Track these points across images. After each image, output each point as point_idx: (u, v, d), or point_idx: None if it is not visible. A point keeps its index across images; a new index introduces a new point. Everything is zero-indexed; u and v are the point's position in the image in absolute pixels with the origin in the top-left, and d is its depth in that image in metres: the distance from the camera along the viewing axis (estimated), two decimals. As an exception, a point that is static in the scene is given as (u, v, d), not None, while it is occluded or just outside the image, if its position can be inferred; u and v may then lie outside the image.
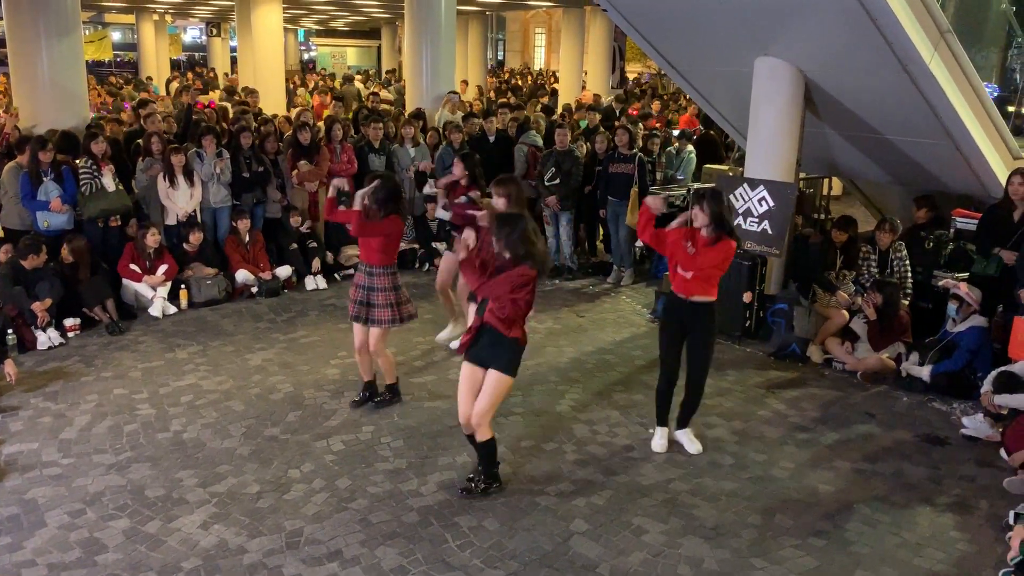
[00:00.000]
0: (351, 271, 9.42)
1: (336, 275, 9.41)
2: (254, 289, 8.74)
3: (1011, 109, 10.21)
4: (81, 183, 8.03)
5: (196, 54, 42.80)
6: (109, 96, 18.21)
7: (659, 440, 5.69)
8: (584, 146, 10.31)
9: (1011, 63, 10.90)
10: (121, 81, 23.63)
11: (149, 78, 25.67)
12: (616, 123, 11.77)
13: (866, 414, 6.33)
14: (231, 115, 11.67)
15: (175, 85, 19.36)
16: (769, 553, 4.54)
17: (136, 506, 4.84)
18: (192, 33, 46.36)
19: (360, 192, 5.76)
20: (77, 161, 8.18)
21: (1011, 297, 6.60)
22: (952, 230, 7.89)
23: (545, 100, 18.04)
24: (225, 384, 6.56)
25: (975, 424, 5.99)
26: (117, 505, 4.84)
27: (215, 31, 31.28)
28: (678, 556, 4.50)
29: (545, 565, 4.39)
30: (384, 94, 19.04)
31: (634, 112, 14.61)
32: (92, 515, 4.74)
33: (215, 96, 16.62)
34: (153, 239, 8.13)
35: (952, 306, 6.67)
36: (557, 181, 9.37)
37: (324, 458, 5.43)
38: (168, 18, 33.52)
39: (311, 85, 22.09)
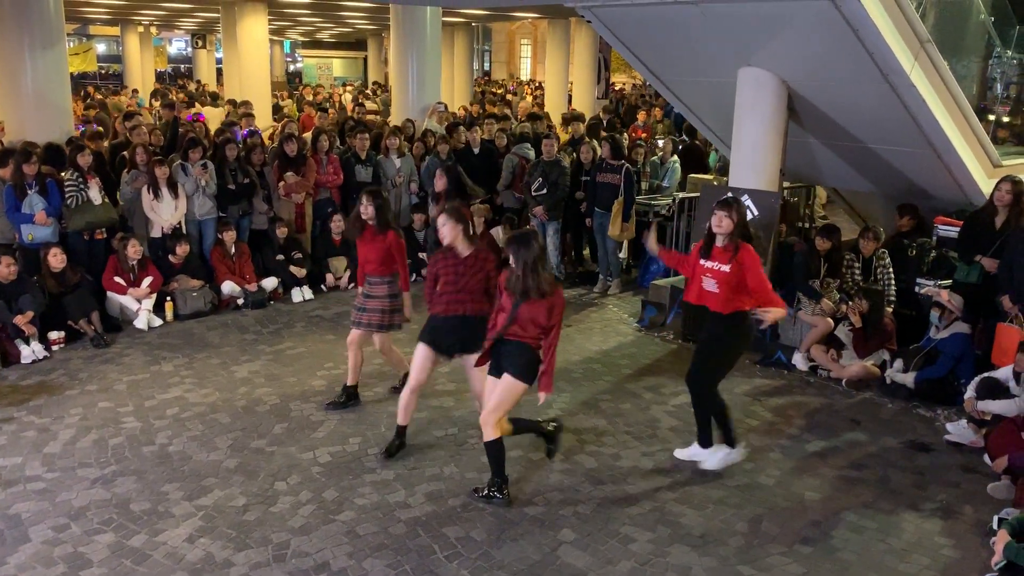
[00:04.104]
0: (338, 283, 9.42)
1: (322, 286, 9.39)
2: (240, 301, 8.71)
3: (991, 118, 10.31)
4: (67, 196, 7.99)
5: (182, 66, 42.75)
6: (91, 109, 18.11)
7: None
8: (568, 157, 10.35)
9: (991, 73, 11.01)
10: (101, 96, 23.51)
11: (135, 90, 25.59)
12: (602, 133, 11.82)
13: (851, 421, 6.37)
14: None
15: (156, 103, 19.29)
16: (756, 561, 4.55)
17: (121, 520, 4.81)
18: (177, 45, 46.31)
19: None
20: (63, 174, 8.15)
21: (993, 304, 6.66)
22: (934, 237, 7.96)
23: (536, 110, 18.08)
24: (211, 396, 6.54)
25: (959, 430, 6.03)
26: (102, 519, 4.81)
27: (201, 43, 31.26)
28: (666, 564, 4.51)
29: (533, 575, 4.39)
30: (370, 104, 19.06)
31: (640, 133, 14.60)
32: (77, 530, 4.71)
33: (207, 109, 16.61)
34: (134, 251, 8.09)
35: (935, 314, 6.72)
36: (544, 191, 9.40)
37: (311, 470, 5.41)
38: (153, 30, 33.49)
39: (308, 98, 22.01)
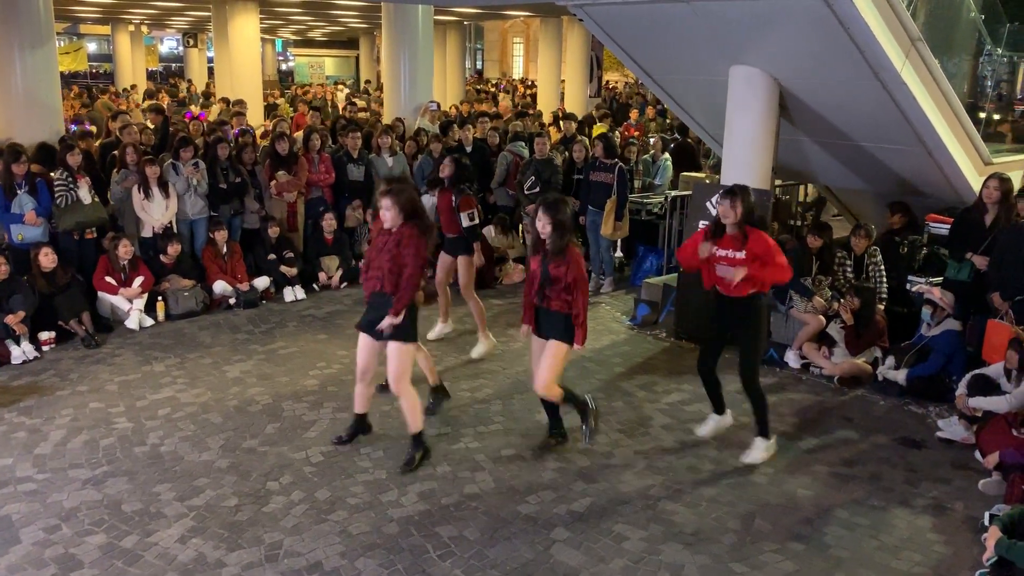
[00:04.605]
0: (330, 282, 9.40)
1: (315, 285, 9.37)
2: (232, 300, 8.68)
3: (982, 115, 10.35)
4: (56, 195, 7.96)
5: (173, 65, 42.61)
6: (83, 108, 18.06)
7: (705, 425, 5.93)
8: (560, 155, 10.35)
9: (982, 71, 11.05)
10: (95, 94, 23.46)
11: (133, 86, 25.53)
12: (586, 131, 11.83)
13: (843, 418, 6.38)
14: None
15: (146, 102, 19.22)
16: (749, 558, 4.56)
17: (113, 521, 4.79)
18: (169, 44, 46.15)
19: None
20: (52, 173, 8.11)
21: (984, 301, 6.68)
22: (926, 235, 7.99)
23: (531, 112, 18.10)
24: (203, 396, 6.52)
25: (950, 427, 6.05)
26: (93, 520, 4.79)
27: (192, 42, 31.15)
28: (658, 563, 4.51)
29: (526, 574, 4.39)
30: (359, 102, 19.03)
31: (632, 131, 14.61)
32: (68, 531, 4.69)
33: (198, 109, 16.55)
34: (125, 250, 8.06)
35: (926, 311, 6.75)
36: (537, 189, 9.40)
37: (303, 470, 5.40)
38: (144, 29, 33.37)
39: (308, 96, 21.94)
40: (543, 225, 5.23)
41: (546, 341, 5.42)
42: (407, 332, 5.31)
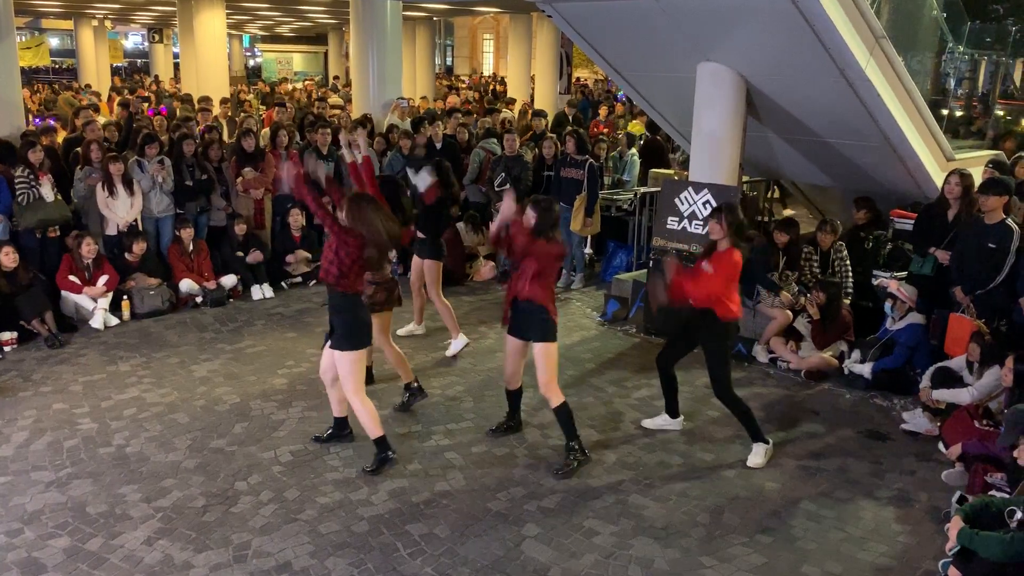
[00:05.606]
0: (298, 279, 9.32)
1: (283, 283, 9.29)
2: (199, 299, 8.59)
3: (944, 112, 10.52)
4: (18, 193, 7.82)
5: (138, 60, 42.00)
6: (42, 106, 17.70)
7: (653, 420, 6.10)
8: (530, 152, 10.34)
9: (944, 68, 11.23)
10: (58, 88, 23.05)
11: (88, 85, 25.11)
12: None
13: (810, 412, 6.46)
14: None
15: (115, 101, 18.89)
16: (718, 551, 4.60)
17: (77, 524, 4.71)
18: (134, 39, 45.45)
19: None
20: (13, 171, 7.96)
21: (947, 295, 6.78)
22: (890, 230, 8.09)
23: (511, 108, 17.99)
24: (169, 396, 6.44)
25: (915, 419, 6.14)
26: (57, 523, 4.71)
27: (157, 37, 30.71)
28: (629, 557, 4.53)
29: (497, 570, 4.39)
30: (333, 99, 18.87)
31: (601, 128, 14.61)
32: (30, 534, 4.61)
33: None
34: (88, 249, 7.93)
35: (888, 304, 6.84)
36: (507, 186, 9.39)
37: (272, 469, 5.36)
38: (108, 24, 32.83)
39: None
40: (528, 219, 5.26)
41: (520, 341, 5.47)
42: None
